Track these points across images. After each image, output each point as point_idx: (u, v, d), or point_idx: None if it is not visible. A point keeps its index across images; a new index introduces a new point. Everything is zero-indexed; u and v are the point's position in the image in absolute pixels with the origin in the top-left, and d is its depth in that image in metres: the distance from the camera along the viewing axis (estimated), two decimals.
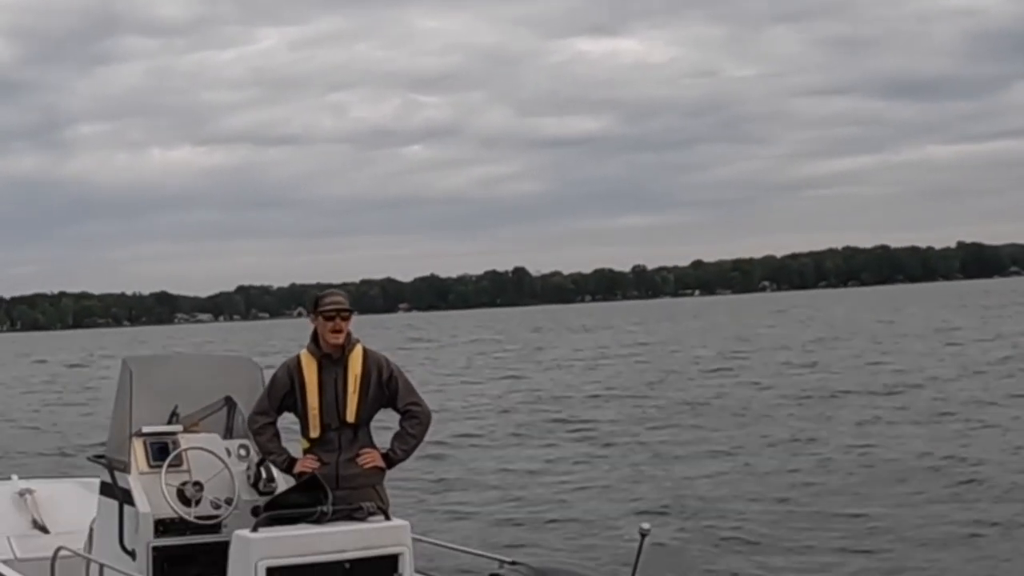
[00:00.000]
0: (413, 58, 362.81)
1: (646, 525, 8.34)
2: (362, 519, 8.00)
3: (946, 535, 16.01)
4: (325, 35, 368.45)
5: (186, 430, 9.01)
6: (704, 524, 17.00)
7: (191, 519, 8.57)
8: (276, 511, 7.95)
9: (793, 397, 33.39)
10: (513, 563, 8.42)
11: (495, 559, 8.70)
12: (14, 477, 11.39)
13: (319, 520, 7.89)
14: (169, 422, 9.03)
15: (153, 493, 8.57)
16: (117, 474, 8.82)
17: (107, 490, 8.95)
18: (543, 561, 8.94)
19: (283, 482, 8.73)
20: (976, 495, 18.32)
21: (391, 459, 8.53)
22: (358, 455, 8.42)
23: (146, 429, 8.86)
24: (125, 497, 8.67)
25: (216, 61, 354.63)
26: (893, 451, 22.79)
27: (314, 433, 8.46)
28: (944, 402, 30.50)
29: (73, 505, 10.33)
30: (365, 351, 8.61)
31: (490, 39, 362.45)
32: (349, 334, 8.56)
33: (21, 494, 10.76)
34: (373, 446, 8.53)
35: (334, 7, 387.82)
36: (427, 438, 8.82)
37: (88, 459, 9.59)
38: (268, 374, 8.99)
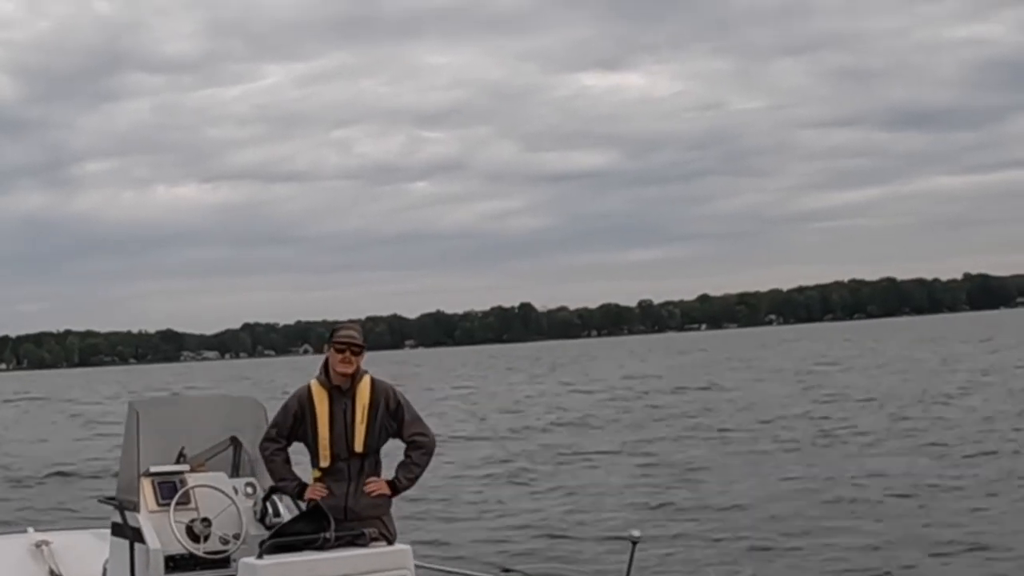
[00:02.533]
0: (418, 94, 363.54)
1: (637, 532, 8.58)
2: (364, 545, 8.28)
3: None
4: (331, 71, 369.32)
5: (193, 470, 9.27)
6: None
7: (200, 554, 8.82)
8: (281, 539, 8.22)
9: None
10: (507, 570, 8.64)
11: None
12: (30, 530, 11.59)
13: (323, 547, 8.16)
14: (176, 462, 9.29)
15: (163, 530, 8.81)
16: (127, 514, 9.06)
17: (118, 530, 9.19)
18: (538, 569, 9.18)
19: (288, 515, 8.98)
20: None
21: (396, 487, 8.81)
22: (365, 484, 8.71)
23: (154, 469, 9.11)
24: (135, 535, 8.91)
25: (222, 98, 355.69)
26: None
27: (324, 463, 8.74)
28: None
29: (88, 554, 10.48)
30: (373, 381, 8.88)
31: (495, 74, 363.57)
32: (358, 367, 8.84)
33: (37, 545, 10.95)
34: (379, 475, 8.82)
35: (340, 43, 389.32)
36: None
37: (99, 500, 9.84)
38: (272, 414, 9.27)
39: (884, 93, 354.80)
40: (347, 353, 8.75)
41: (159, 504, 8.97)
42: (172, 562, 8.77)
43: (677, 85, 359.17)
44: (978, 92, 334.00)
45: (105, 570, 9.47)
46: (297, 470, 8.97)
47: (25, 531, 11.53)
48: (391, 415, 8.81)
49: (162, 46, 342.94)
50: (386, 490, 8.75)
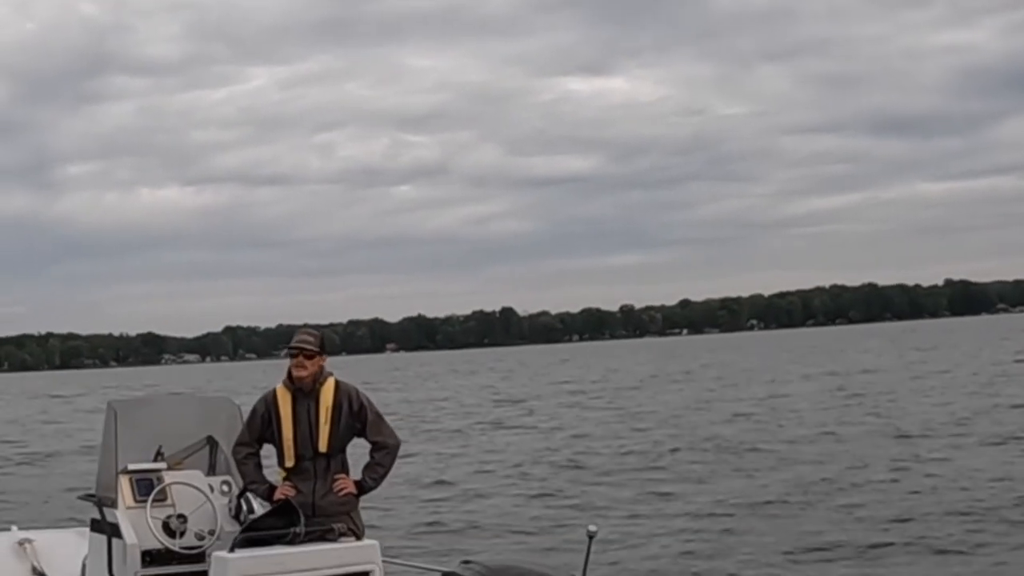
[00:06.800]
0: (402, 97, 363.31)
1: (593, 527, 8.84)
2: (334, 540, 8.56)
3: None
4: (314, 74, 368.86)
5: (170, 468, 9.52)
6: None
7: (176, 549, 9.08)
8: (252, 533, 8.50)
9: None
10: (467, 562, 8.90)
11: None
12: (13, 528, 11.77)
13: (293, 541, 8.45)
14: (154, 460, 9.54)
15: (139, 526, 9.07)
16: (105, 510, 9.31)
17: (96, 526, 9.44)
18: (497, 559, 9.45)
19: (262, 512, 9.25)
20: None
21: (363, 487, 9.10)
22: (333, 482, 8.98)
23: (132, 467, 9.37)
24: (113, 531, 9.16)
25: (206, 100, 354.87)
26: None
27: (289, 463, 9.03)
28: None
29: (71, 553, 10.65)
30: (337, 383, 9.17)
31: (479, 78, 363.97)
32: (322, 369, 9.11)
33: (21, 543, 11.12)
34: (347, 473, 9.10)
35: (324, 46, 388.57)
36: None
37: (78, 497, 10.07)
38: (247, 412, 9.53)
39: (867, 99, 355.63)
40: (299, 357, 9.03)
41: (136, 501, 9.21)
42: (148, 556, 9.03)
43: (661, 90, 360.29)
44: (960, 99, 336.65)
45: (84, 565, 9.71)
46: (269, 473, 9.24)
47: (8, 529, 11.74)
48: (355, 416, 9.08)
49: (146, 48, 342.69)
50: (353, 489, 9.04)
